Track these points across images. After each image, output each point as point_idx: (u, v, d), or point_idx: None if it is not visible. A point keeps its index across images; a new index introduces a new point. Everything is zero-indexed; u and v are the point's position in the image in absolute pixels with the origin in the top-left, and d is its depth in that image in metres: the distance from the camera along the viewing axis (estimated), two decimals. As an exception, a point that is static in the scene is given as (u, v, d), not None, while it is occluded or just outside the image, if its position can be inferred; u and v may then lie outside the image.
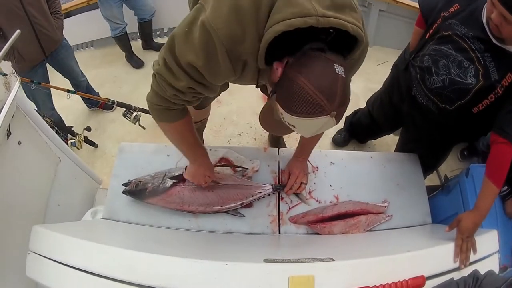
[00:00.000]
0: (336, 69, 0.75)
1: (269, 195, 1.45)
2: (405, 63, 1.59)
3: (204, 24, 0.81)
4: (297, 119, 0.78)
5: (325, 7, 0.76)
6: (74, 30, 3.10)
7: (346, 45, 0.83)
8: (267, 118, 0.97)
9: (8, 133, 1.26)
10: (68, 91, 2.11)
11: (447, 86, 1.33)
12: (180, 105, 1.03)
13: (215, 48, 0.82)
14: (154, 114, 1.08)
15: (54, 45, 2.28)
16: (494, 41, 1.20)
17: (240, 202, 1.41)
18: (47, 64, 2.39)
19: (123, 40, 3.05)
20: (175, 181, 1.40)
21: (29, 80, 1.97)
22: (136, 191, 1.40)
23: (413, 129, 1.76)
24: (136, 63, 3.23)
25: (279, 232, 1.41)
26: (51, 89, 2.35)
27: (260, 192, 1.43)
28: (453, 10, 1.31)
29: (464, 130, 1.52)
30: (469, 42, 1.25)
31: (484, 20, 1.21)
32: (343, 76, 0.76)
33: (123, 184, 1.42)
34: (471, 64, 1.26)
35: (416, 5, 2.92)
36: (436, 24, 1.38)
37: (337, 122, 0.79)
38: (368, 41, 0.90)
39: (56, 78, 2.53)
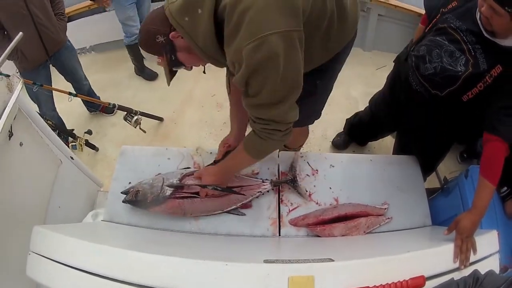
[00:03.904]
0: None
1: (268, 191, 1.46)
2: (406, 54, 1.67)
3: None
4: None
5: None
6: (75, 34, 3.09)
7: None
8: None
9: (10, 134, 1.27)
10: (70, 93, 2.11)
11: (438, 73, 1.41)
12: None
13: None
14: None
15: (57, 46, 2.30)
16: (485, 34, 1.26)
17: (240, 204, 1.41)
18: (51, 66, 2.40)
19: (136, 49, 2.88)
20: (173, 189, 1.38)
21: (31, 82, 1.98)
22: (136, 201, 1.39)
23: (410, 121, 1.79)
24: (148, 75, 3.11)
25: (279, 235, 1.41)
26: (53, 91, 2.36)
27: (260, 192, 1.44)
28: (451, 6, 1.41)
29: (457, 122, 1.55)
30: (462, 35, 1.33)
31: (478, 16, 1.28)
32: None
33: (121, 192, 1.41)
34: (462, 54, 1.34)
35: (414, 9, 3.03)
36: (435, 19, 1.47)
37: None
38: None
39: (58, 82, 2.54)
